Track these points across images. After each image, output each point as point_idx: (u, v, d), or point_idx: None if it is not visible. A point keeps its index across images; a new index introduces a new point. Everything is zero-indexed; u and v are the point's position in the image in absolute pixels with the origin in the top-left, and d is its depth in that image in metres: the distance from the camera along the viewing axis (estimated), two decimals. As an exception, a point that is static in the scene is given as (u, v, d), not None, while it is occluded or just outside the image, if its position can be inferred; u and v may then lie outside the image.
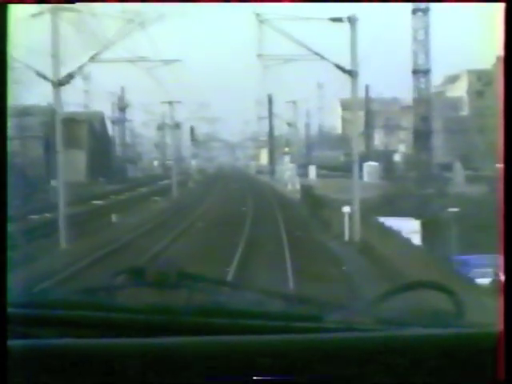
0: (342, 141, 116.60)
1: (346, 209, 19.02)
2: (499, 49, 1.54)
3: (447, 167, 51.38)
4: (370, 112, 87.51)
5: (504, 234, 1.55)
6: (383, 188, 38.98)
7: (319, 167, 62.45)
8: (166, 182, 61.27)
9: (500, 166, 1.61)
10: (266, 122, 67.17)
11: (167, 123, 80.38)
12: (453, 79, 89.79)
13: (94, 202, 35.33)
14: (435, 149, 48.87)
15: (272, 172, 64.98)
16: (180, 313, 1.82)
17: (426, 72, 43.95)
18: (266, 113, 65.33)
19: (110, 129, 75.51)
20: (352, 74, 17.25)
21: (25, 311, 1.77)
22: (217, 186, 51.22)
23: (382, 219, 22.72)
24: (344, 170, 74.13)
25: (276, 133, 76.24)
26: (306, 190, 36.11)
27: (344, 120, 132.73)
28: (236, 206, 32.57)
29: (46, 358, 1.51)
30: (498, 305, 1.55)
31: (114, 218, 26.17)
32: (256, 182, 59.54)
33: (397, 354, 1.51)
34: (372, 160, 60.08)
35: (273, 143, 68.05)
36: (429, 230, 22.27)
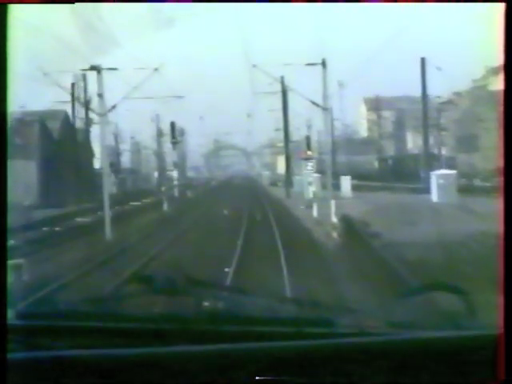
0: (370, 144, 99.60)
1: None
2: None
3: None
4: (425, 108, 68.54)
5: (504, 234, 1.50)
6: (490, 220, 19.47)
7: (344, 174, 44.44)
8: (147, 200, 43.11)
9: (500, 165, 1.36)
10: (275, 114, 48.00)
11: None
12: (497, 70, 71.94)
13: None
14: None
15: (289, 184, 46.02)
16: (190, 321, 1.74)
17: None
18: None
19: (85, 133, 57.51)
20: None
21: (31, 322, 1.64)
22: (199, 212, 32.04)
23: None
24: (380, 178, 55.88)
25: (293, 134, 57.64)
26: (357, 237, 16.96)
27: (369, 121, 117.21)
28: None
29: (51, 368, 1.42)
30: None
31: None
32: (265, 201, 40.19)
33: (407, 356, 1.44)
34: (433, 167, 41.27)
35: (289, 146, 48.98)
36: None
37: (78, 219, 29.84)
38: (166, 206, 34.91)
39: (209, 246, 18.23)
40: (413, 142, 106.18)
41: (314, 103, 22.54)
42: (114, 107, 22.10)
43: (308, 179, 33.76)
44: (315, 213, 28.50)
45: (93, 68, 22.09)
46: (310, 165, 33.18)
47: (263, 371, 1.40)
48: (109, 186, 53.70)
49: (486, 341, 1.50)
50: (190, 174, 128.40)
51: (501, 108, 1.43)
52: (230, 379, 1.39)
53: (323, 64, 21.75)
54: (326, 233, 20.51)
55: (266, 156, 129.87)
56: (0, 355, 1.42)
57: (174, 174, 45.96)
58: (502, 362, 1.43)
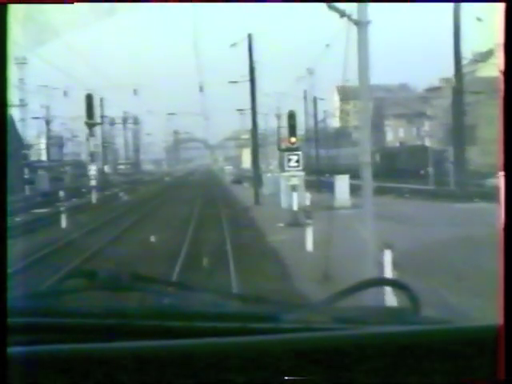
0: (346, 135, 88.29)
1: None
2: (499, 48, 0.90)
3: None
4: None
5: (505, 231, 1.48)
6: None
7: (331, 172, 32.78)
8: (66, 204, 30.12)
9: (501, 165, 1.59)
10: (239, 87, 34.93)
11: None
12: (486, 55, 63.00)
13: None
14: None
15: (257, 183, 33.86)
16: (133, 315, 1.71)
17: None
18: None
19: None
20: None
21: None
22: (110, 236, 19.11)
23: None
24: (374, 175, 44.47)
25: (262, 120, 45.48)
26: None
27: (343, 111, 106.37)
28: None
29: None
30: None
31: None
32: (224, 211, 27.17)
33: (359, 352, 1.41)
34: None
35: (257, 133, 36.57)
36: None
37: None
38: (65, 222, 21.91)
39: None
40: (393, 133, 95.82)
41: (336, 10, 9.88)
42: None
43: (291, 180, 21.39)
44: (309, 242, 16.10)
45: None
46: (295, 159, 20.82)
47: (206, 367, 1.35)
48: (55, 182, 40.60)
49: (459, 335, 1.43)
50: (150, 167, 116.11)
51: (500, 111, 1.47)
52: (171, 375, 1.35)
53: None
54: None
55: (229, 149, 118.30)
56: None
57: (92, 170, 32.57)
58: (502, 360, 1.34)
